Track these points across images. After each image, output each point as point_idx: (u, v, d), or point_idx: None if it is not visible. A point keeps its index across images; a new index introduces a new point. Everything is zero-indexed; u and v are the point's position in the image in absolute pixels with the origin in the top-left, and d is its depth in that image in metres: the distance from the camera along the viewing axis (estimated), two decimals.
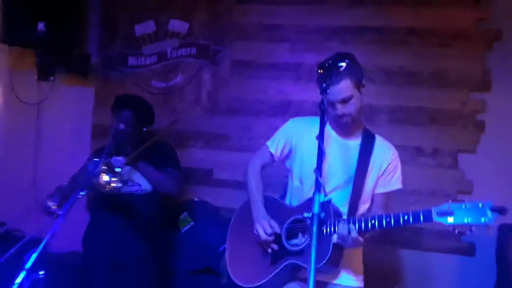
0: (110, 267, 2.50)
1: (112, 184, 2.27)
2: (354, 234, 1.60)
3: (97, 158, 2.31)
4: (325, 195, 1.28)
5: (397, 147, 2.92)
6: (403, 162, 2.89)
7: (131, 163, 2.46)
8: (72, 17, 3.26)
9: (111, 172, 2.27)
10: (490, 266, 2.59)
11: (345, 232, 1.62)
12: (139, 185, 2.56)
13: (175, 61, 3.29)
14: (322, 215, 1.25)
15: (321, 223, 1.26)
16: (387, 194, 1.91)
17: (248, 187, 1.98)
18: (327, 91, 1.67)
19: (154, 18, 3.31)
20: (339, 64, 1.71)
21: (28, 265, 1.54)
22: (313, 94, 2.71)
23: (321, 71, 1.70)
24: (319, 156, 1.39)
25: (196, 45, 3.26)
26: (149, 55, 3.33)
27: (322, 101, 1.59)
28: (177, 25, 3.29)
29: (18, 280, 1.52)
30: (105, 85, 3.38)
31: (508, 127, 2.79)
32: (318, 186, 1.29)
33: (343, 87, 1.75)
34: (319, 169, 1.35)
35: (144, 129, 2.64)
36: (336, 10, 3.04)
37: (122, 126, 2.40)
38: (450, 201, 1.55)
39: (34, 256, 1.56)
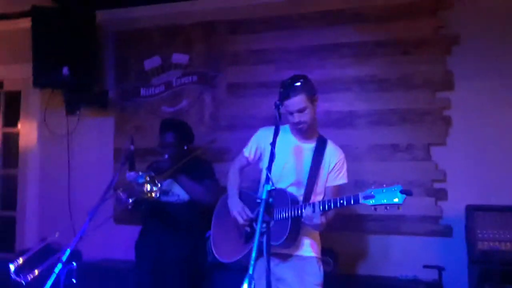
0: (154, 268, 2.90)
1: (152, 193, 2.71)
2: (318, 210, 2.03)
3: (142, 172, 2.73)
4: (273, 186, 1.70)
5: (376, 146, 3.33)
6: (382, 159, 3.30)
7: (172, 176, 2.88)
8: (90, 60, 3.79)
9: (152, 183, 2.71)
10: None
11: (310, 212, 2.04)
12: (178, 195, 2.98)
13: (179, 88, 3.78)
14: (271, 200, 1.68)
15: (269, 206, 1.67)
16: (336, 187, 2.33)
17: (228, 182, 2.44)
18: (286, 103, 2.16)
19: (160, 53, 3.83)
20: (295, 83, 2.15)
21: (64, 257, 2.01)
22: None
23: (282, 89, 2.14)
24: (270, 157, 1.81)
25: (196, 73, 3.75)
26: (158, 85, 3.83)
27: (277, 115, 2.02)
28: (179, 58, 3.80)
29: (56, 270, 1.99)
30: (122, 115, 3.90)
31: (471, 119, 3.12)
32: (267, 179, 1.71)
33: (299, 100, 2.19)
34: (269, 167, 1.77)
35: (185, 147, 3.03)
36: (313, 32, 3.48)
37: (132, 147, 2.86)
38: (372, 187, 1.96)
39: (69, 250, 2.03)
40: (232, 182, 2.41)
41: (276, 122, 2.00)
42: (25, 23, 3.79)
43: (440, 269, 2.83)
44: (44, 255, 2.24)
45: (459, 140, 3.14)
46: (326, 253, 3.02)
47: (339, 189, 2.33)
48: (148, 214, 3.03)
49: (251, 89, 3.58)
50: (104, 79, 3.94)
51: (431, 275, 2.90)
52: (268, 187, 1.68)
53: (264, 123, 3.52)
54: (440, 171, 3.16)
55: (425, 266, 2.88)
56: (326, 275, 2.98)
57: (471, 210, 2.81)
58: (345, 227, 3.24)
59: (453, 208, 3.08)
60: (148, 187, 2.72)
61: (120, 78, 3.94)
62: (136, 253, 3.06)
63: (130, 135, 3.19)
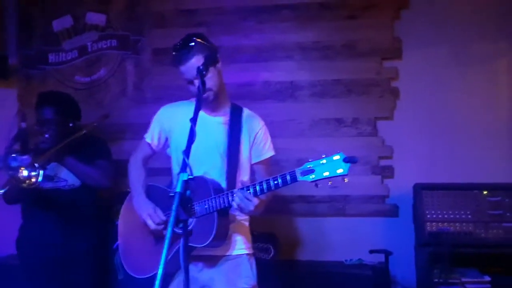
0: (46, 266, 2.48)
1: (31, 180, 2.25)
2: (252, 198, 1.66)
3: (16, 154, 2.26)
4: (191, 174, 1.32)
5: (320, 120, 3.05)
6: (326, 135, 3.03)
7: (57, 159, 2.44)
8: None
9: (30, 167, 2.25)
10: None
11: (244, 202, 1.67)
12: (65, 180, 2.55)
13: (96, 54, 3.26)
14: (188, 193, 1.30)
15: (186, 201, 1.30)
16: (265, 162, 1.97)
17: (129, 179, 1.97)
18: (182, 70, 1.78)
19: (71, 12, 3.27)
20: (189, 43, 1.77)
21: None
22: (232, 76, 2.77)
23: (175, 53, 1.75)
24: (189, 138, 1.42)
25: (115, 36, 3.23)
26: (70, 50, 3.29)
27: (200, 85, 1.61)
28: (95, 18, 3.25)
29: None
30: (27, 85, 3.31)
31: (420, 92, 2.90)
32: (184, 166, 1.32)
33: (196, 63, 1.75)
34: (187, 150, 1.38)
35: (71, 125, 2.58)
36: None
37: (23, 124, 2.37)
38: (310, 160, 1.62)
39: None
40: (135, 178, 1.94)
41: (199, 94, 1.60)
42: None
43: (387, 254, 2.63)
44: None
45: (407, 114, 2.93)
46: (266, 238, 2.76)
47: (269, 163, 1.97)
48: (29, 204, 2.56)
49: None
50: (2, 42, 3.30)
51: (378, 258, 2.72)
52: (185, 176, 1.30)
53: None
54: (387, 147, 2.95)
55: (372, 251, 2.66)
56: (266, 263, 2.73)
57: (419, 189, 2.61)
58: (285, 210, 2.98)
59: (400, 186, 2.89)
60: (25, 172, 2.23)
61: (23, 41, 3.32)
62: (20, 255, 2.58)
63: (19, 109, 2.64)
